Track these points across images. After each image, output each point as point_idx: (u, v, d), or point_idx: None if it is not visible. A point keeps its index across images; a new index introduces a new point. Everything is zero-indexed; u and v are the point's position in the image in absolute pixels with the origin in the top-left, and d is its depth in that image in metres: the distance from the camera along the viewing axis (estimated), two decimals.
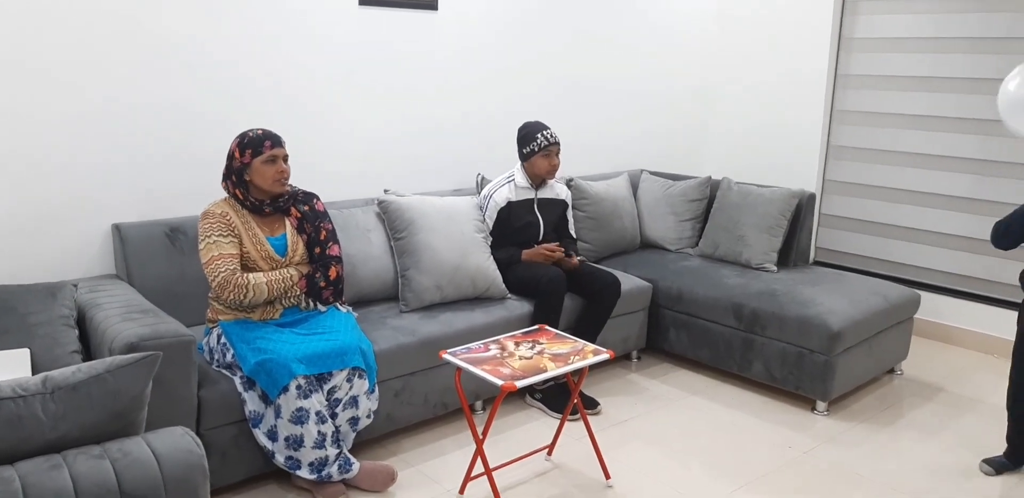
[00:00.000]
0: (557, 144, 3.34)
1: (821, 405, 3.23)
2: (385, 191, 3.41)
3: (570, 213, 3.63)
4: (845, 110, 4.37)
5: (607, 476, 2.68)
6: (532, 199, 3.44)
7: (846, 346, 3.17)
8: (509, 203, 3.37)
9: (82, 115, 2.72)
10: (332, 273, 2.67)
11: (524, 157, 3.38)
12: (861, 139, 4.32)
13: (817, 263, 4.53)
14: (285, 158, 2.58)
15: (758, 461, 2.84)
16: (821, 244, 4.58)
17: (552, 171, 3.37)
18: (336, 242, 2.73)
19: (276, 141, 2.56)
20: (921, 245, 4.18)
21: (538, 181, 3.43)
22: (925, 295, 4.00)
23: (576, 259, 3.38)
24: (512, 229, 3.38)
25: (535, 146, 3.32)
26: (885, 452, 2.93)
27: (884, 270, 4.32)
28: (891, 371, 3.68)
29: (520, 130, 3.40)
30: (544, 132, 3.32)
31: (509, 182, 3.40)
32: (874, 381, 3.57)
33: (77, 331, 2.35)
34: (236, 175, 2.56)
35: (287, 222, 2.67)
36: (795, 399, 3.35)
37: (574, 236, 3.64)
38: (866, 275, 3.87)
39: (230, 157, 2.57)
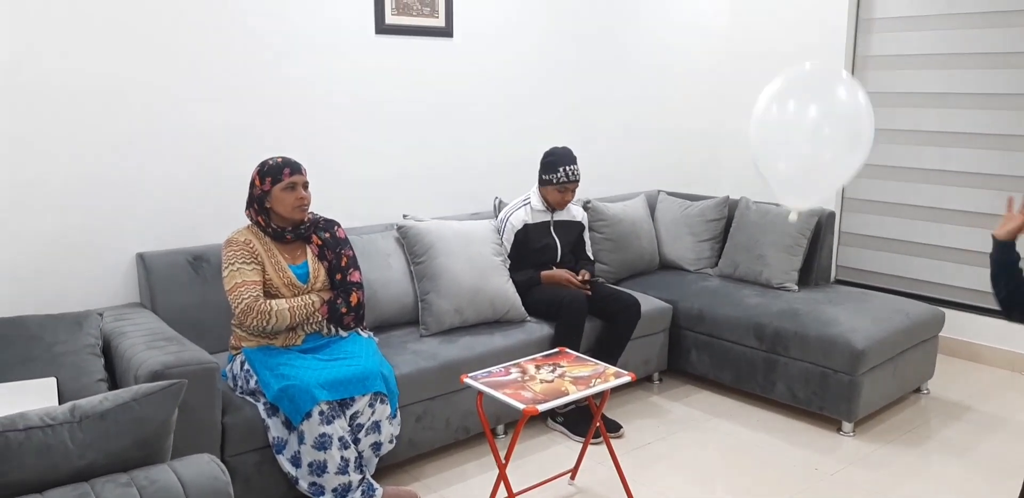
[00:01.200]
0: (576, 182, 3.37)
1: (847, 426, 3.19)
2: (404, 216, 3.44)
3: (587, 235, 3.64)
4: None
5: None
6: (548, 221, 3.45)
7: (871, 365, 3.14)
8: (526, 225, 3.39)
9: (104, 144, 2.78)
10: (353, 299, 2.69)
11: (542, 183, 3.41)
12: (879, 156, 4.31)
13: (838, 282, 4.50)
14: (305, 185, 2.62)
15: (784, 484, 2.80)
16: (842, 262, 4.55)
17: (561, 204, 3.42)
18: (357, 268, 2.76)
19: (295, 168, 2.60)
20: (943, 262, 4.14)
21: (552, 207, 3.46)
22: (949, 313, 3.96)
23: (588, 276, 3.37)
24: (529, 251, 3.40)
25: (554, 178, 3.35)
26: (913, 473, 2.88)
27: (907, 288, 4.28)
28: (917, 390, 3.63)
29: (546, 155, 3.41)
30: (568, 168, 3.33)
31: (525, 205, 3.43)
32: (900, 401, 3.53)
33: (103, 360, 2.38)
34: (258, 203, 2.60)
35: (308, 249, 2.70)
36: (820, 420, 3.31)
37: (591, 258, 3.65)
38: (889, 293, 3.84)
39: (251, 185, 2.61)
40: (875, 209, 4.38)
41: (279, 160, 2.61)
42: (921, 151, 4.14)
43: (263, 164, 2.61)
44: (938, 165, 4.08)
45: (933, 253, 4.17)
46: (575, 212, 3.56)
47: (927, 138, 4.11)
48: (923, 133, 4.12)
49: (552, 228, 3.46)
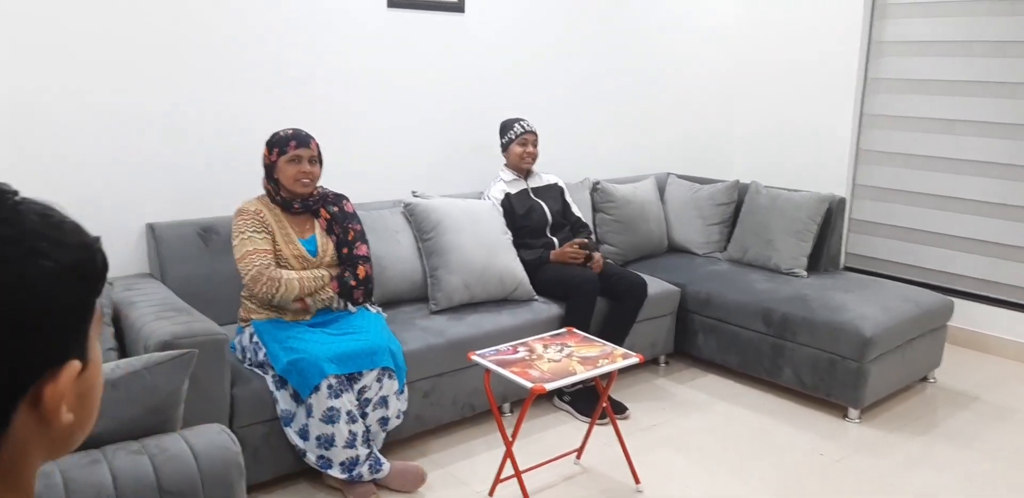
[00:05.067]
0: (533, 133, 3.46)
1: (853, 412, 3.19)
2: (413, 193, 3.42)
3: (568, 197, 3.64)
4: (875, 114, 4.33)
5: (637, 481, 2.66)
6: (526, 189, 3.52)
7: (879, 353, 3.13)
8: (507, 195, 3.44)
9: (117, 115, 2.75)
10: (360, 272, 2.68)
11: (504, 147, 3.50)
12: (891, 143, 4.27)
13: (847, 269, 4.48)
14: (311, 159, 2.59)
15: (788, 469, 2.80)
16: (851, 249, 4.53)
17: (526, 157, 3.45)
18: (364, 242, 2.74)
19: (302, 141, 2.58)
20: (954, 251, 4.12)
21: (523, 173, 3.51)
22: (958, 302, 3.94)
23: (599, 257, 3.36)
24: (520, 216, 3.42)
25: (512, 134, 3.45)
26: (918, 461, 2.88)
27: (916, 276, 4.25)
28: (924, 379, 3.62)
29: (501, 124, 3.53)
30: (521, 122, 3.47)
31: (498, 180, 3.51)
32: (907, 389, 3.52)
33: (113, 329, 2.37)
34: (268, 172, 2.60)
35: (317, 224, 2.69)
36: (826, 406, 3.31)
37: (582, 219, 3.64)
38: (898, 281, 3.82)
39: (263, 155, 2.61)
40: (886, 196, 4.35)
41: (289, 132, 2.59)
42: (934, 139, 4.10)
43: (274, 135, 2.60)
44: (950, 153, 4.04)
45: (943, 242, 4.15)
46: (548, 177, 3.63)
47: (941, 126, 4.07)
48: (937, 121, 4.08)
49: (532, 193, 3.51)
